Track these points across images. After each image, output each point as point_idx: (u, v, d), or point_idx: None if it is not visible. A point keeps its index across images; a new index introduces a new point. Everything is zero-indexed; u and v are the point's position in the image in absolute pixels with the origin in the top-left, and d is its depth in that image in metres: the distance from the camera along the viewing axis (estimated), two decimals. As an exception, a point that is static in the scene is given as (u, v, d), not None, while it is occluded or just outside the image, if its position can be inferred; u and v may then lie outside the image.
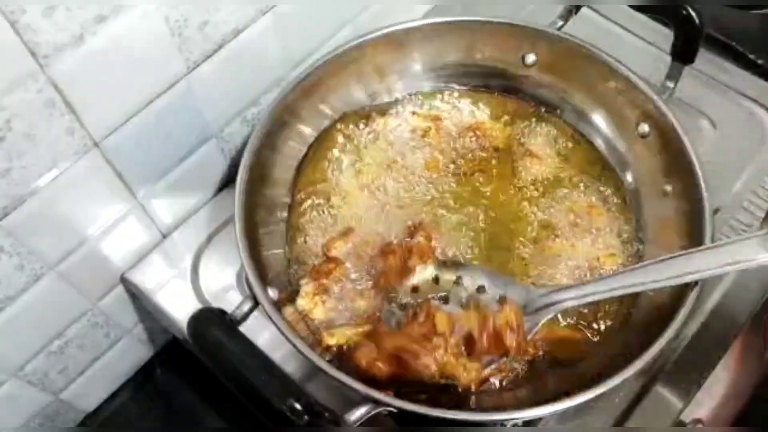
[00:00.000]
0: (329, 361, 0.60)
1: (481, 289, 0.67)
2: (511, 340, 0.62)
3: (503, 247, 0.72)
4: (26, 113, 0.54)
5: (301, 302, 0.67)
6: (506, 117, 0.80)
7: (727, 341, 0.70)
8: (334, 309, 0.68)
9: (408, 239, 0.71)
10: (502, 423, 0.63)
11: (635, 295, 0.69)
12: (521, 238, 0.72)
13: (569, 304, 0.64)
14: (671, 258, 0.62)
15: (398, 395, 0.60)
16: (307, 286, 0.68)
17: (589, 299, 0.64)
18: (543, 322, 0.65)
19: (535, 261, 0.71)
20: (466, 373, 0.61)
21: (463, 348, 0.62)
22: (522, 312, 0.64)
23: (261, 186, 0.70)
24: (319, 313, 0.67)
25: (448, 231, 0.73)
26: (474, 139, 0.78)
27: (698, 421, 0.69)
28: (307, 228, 0.73)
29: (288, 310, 0.66)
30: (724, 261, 0.60)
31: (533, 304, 0.65)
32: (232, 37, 0.67)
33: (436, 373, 0.61)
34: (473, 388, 0.61)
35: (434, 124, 0.79)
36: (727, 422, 0.74)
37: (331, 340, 0.65)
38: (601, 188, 0.75)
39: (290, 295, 0.68)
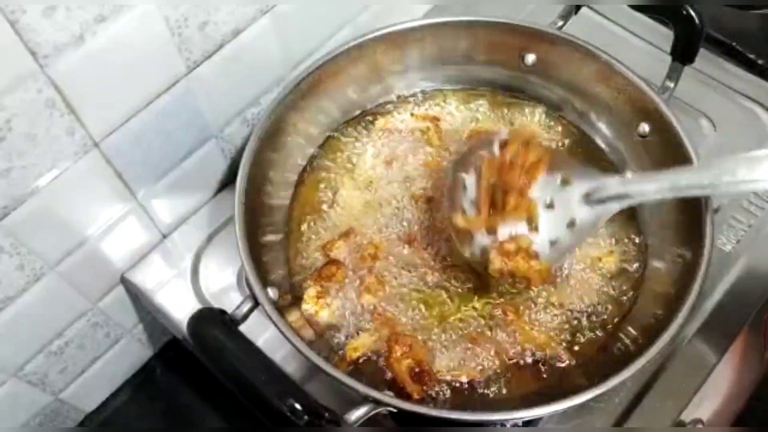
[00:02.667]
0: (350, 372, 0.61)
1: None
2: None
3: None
4: (26, 113, 0.54)
5: (306, 306, 0.67)
6: (506, 117, 0.80)
7: (727, 341, 0.70)
8: (340, 309, 0.68)
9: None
10: (502, 423, 0.63)
11: (635, 295, 0.69)
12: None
13: (644, 198, 0.62)
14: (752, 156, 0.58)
15: (398, 395, 0.61)
16: (310, 290, 0.68)
17: (671, 195, 0.61)
18: (608, 216, 0.63)
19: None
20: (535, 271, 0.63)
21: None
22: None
23: (261, 186, 0.70)
24: (325, 316, 0.67)
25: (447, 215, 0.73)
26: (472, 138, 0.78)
27: (698, 421, 0.69)
28: (307, 228, 0.73)
29: (293, 316, 0.65)
30: None
31: (599, 194, 0.63)
32: (232, 37, 0.67)
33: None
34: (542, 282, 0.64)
35: (434, 124, 0.79)
36: (727, 422, 0.74)
37: (356, 354, 0.65)
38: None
39: (293, 298, 0.68)
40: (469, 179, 0.68)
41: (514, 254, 0.64)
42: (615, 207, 0.65)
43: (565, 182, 0.67)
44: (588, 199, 0.65)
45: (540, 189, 0.67)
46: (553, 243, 0.67)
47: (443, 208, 0.67)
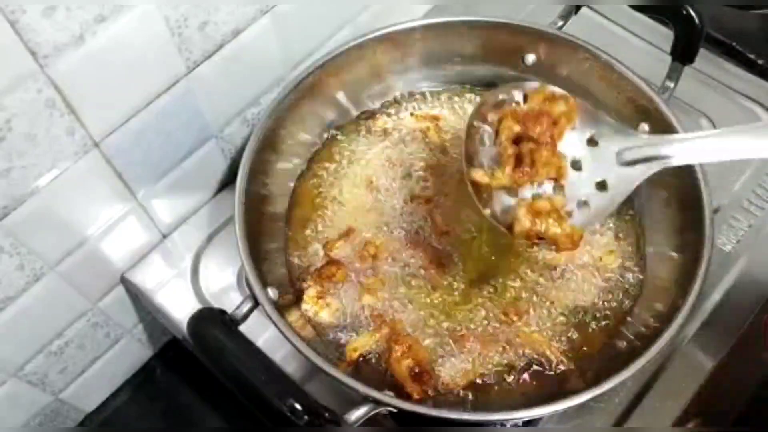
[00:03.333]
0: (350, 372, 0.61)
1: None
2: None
3: (505, 250, 0.72)
4: (26, 113, 0.54)
5: (306, 306, 0.67)
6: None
7: (727, 341, 0.70)
8: (340, 309, 0.68)
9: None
10: (502, 423, 0.63)
11: (635, 295, 0.69)
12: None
13: (680, 160, 0.57)
14: None
15: (398, 395, 0.61)
16: (310, 290, 0.68)
17: (711, 158, 0.57)
18: (641, 180, 0.58)
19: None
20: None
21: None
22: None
23: (261, 186, 0.70)
24: (325, 316, 0.67)
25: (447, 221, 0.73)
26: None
27: (698, 421, 0.69)
28: (307, 228, 0.73)
29: (293, 315, 0.66)
30: None
31: (631, 154, 0.59)
32: (232, 37, 0.67)
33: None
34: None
35: (434, 124, 0.79)
36: (727, 422, 0.74)
37: (356, 354, 0.65)
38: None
39: (293, 298, 0.68)
40: (489, 131, 0.63)
41: (545, 215, 0.59)
42: (649, 170, 0.59)
43: (593, 141, 0.62)
44: (620, 159, 0.60)
45: (567, 146, 0.62)
46: (581, 205, 0.62)
47: (463, 160, 0.62)
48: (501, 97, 0.64)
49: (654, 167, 0.59)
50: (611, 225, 0.73)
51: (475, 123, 0.63)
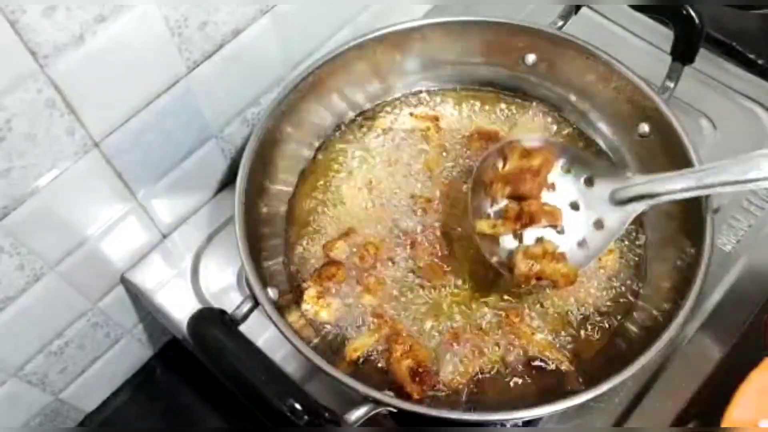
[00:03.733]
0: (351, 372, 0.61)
1: (565, 168, 0.68)
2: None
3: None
4: (26, 113, 0.54)
5: (306, 306, 0.67)
6: (506, 117, 0.80)
7: (727, 341, 0.70)
8: (340, 309, 0.68)
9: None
10: (502, 423, 0.63)
11: (635, 295, 0.69)
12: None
13: (670, 197, 0.61)
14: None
15: (398, 395, 0.61)
16: (310, 290, 0.68)
17: (697, 193, 0.61)
18: (633, 216, 0.63)
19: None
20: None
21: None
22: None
23: (261, 186, 0.70)
24: (325, 316, 0.67)
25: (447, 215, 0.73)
26: (474, 139, 0.78)
27: (698, 421, 0.69)
28: (307, 228, 0.73)
29: (293, 315, 0.66)
30: None
31: (624, 193, 0.63)
32: (232, 37, 0.67)
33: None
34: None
35: (434, 124, 0.79)
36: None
37: (356, 354, 0.65)
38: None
39: (293, 298, 0.68)
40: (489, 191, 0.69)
41: (540, 257, 0.64)
42: (640, 207, 0.64)
43: (589, 182, 0.68)
44: (613, 198, 0.65)
45: (565, 189, 0.68)
46: (580, 244, 0.67)
47: (469, 214, 0.68)
48: (489, 161, 0.69)
49: (645, 204, 0.63)
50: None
51: (477, 184, 0.69)
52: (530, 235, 0.67)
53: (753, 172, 0.58)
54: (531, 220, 0.66)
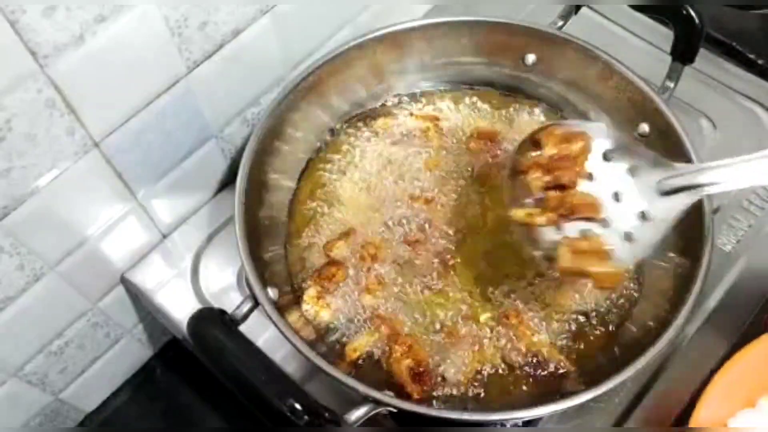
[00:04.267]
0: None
1: (607, 156, 0.63)
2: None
3: (506, 251, 0.72)
4: (26, 113, 0.54)
5: (306, 306, 0.67)
6: (506, 117, 0.80)
7: (727, 341, 0.70)
8: (340, 309, 0.68)
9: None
10: (502, 423, 0.63)
11: (635, 295, 0.69)
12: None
13: (721, 187, 0.57)
14: None
15: (398, 395, 0.61)
16: (310, 290, 0.68)
17: (748, 183, 0.57)
18: (683, 208, 0.59)
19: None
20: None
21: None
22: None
23: (261, 186, 0.70)
24: (325, 316, 0.67)
25: (447, 216, 0.73)
26: (474, 138, 0.78)
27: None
28: (307, 228, 0.73)
29: (293, 316, 0.65)
30: None
31: (672, 183, 0.59)
32: (232, 37, 0.67)
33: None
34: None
35: (433, 124, 0.79)
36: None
37: (356, 354, 0.65)
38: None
39: (293, 298, 0.68)
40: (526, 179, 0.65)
41: (586, 253, 0.61)
42: (690, 198, 0.59)
43: (632, 171, 0.63)
44: (660, 189, 0.60)
45: (607, 178, 0.63)
46: (627, 238, 0.62)
47: (506, 200, 0.64)
48: (524, 148, 0.65)
49: (694, 196, 0.59)
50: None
51: (512, 173, 0.65)
52: (572, 227, 0.62)
53: None
54: (572, 211, 0.61)
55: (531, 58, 0.78)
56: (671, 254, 0.68)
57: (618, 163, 0.63)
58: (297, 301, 0.68)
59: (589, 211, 0.62)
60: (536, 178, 0.64)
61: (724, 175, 0.57)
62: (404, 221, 0.73)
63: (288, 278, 0.70)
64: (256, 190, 0.68)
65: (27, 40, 0.50)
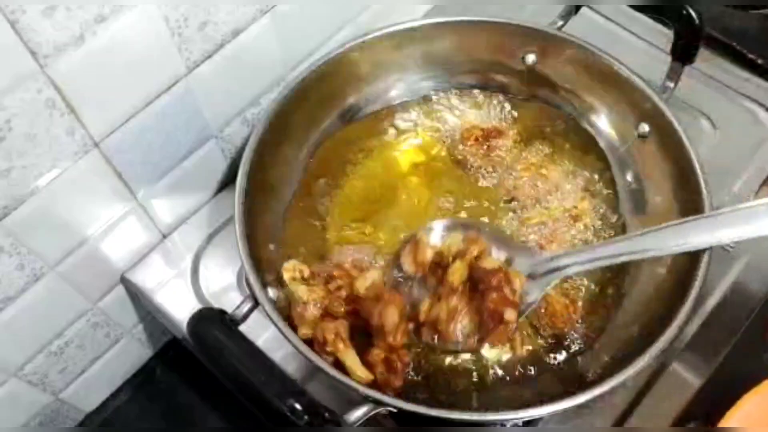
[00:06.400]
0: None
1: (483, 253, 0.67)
2: (510, 314, 0.62)
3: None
4: (26, 113, 0.54)
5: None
6: (506, 117, 0.80)
7: (727, 341, 0.70)
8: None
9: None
10: (502, 423, 0.63)
11: (635, 295, 0.69)
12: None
13: (575, 269, 0.64)
14: (680, 224, 0.61)
15: (399, 395, 0.61)
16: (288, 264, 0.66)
17: (596, 264, 0.64)
18: (549, 288, 0.65)
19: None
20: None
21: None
22: (523, 279, 0.64)
23: (261, 186, 0.70)
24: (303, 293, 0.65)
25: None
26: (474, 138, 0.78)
27: (698, 421, 0.69)
28: (307, 228, 0.73)
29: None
30: (736, 231, 0.60)
31: (539, 268, 0.65)
32: (232, 37, 0.67)
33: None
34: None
35: (434, 125, 0.79)
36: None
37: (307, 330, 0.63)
38: (605, 191, 0.75)
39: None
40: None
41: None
42: (552, 278, 0.65)
43: (508, 262, 0.67)
44: (530, 274, 0.66)
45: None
46: None
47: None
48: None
49: (556, 276, 0.65)
50: (610, 224, 0.73)
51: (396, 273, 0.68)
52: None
53: (653, 243, 0.61)
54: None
55: (531, 58, 0.78)
56: (671, 254, 0.68)
57: (497, 255, 0.68)
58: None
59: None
60: (457, 270, 0.64)
61: (576, 260, 0.64)
62: (404, 221, 0.73)
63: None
64: (256, 190, 0.68)
65: (27, 40, 0.50)
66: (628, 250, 0.63)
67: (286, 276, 0.65)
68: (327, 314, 0.63)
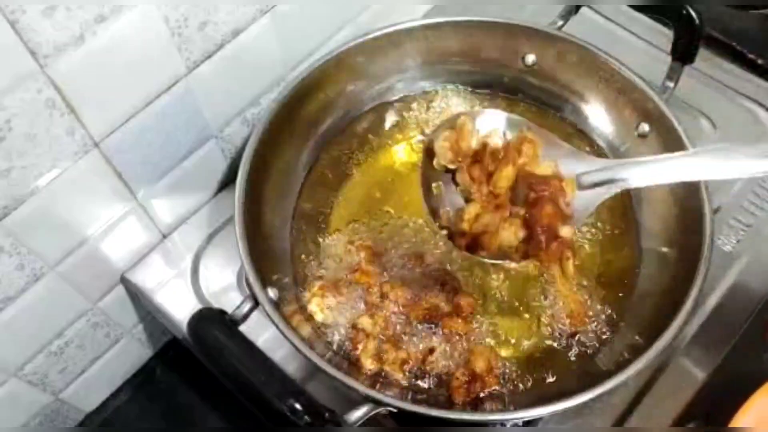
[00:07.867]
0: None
1: None
2: (566, 231, 0.56)
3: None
4: (26, 113, 0.54)
5: (312, 307, 0.66)
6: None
7: (727, 341, 0.70)
8: (339, 309, 0.67)
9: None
10: (502, 423, 0.63)
11: (635, 295, 0.69)
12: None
13: (634, 183, 0.56)
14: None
15: (400, 395, 0.61)
16: (312, 290, 0.67)
17: (657, 180, 0.56)
18: (600, 201, 0.58)
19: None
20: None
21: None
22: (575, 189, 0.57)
23: (261, 186, 0.70)
24: (325, 317, 0.66)
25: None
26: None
27: (698, 421, 0.69)
28: (307, 228, 0.73)
29: (293, 315, 0.65)
30: None
31: (590, 178, 0.57)
32: (232, 37, 0.67)
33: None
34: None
35: (434, 124, 0.79)
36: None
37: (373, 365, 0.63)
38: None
39: (293, 298, 0.68)
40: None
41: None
42: (606, 192, 0.58)
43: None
44: (579, 182, 0.59)
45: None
46: None
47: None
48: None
49: (612, 190, 0.58)
50: (609, 224, 0.73)
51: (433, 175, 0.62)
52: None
53: (720, 160, 0.52)
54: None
55: (531, 58, 0.78)
56: (671, 254, 0.68)
57: (545, 158, 0.62)
58: (297, 301, 0.68)
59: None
60: (505, 176, 0.59)
61: (641, 171, 0.56)
62: (404, 221, 0.73)
63: (288, 278, 0.70)
64: (256, 190, 0.68)
65: (27, 40, 0.50)
66: (696, 166, 0.54)
67: (315, 310, 0.66)
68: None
